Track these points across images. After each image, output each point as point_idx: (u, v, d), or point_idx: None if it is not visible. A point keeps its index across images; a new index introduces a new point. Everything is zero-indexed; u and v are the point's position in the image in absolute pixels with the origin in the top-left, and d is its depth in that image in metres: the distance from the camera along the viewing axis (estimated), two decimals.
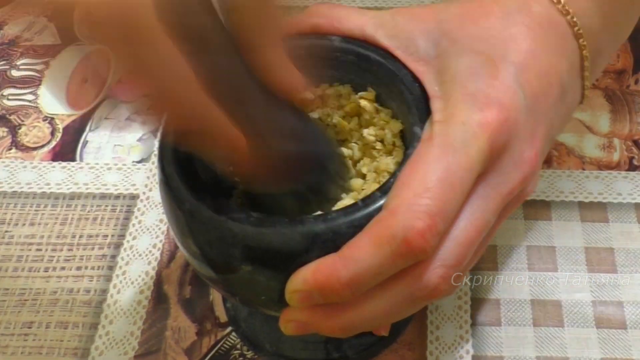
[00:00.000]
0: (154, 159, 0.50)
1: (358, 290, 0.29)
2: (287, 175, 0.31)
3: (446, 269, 0.30)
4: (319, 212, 0.31)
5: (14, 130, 0.53)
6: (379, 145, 0.36)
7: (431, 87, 0.33)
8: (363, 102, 0.36)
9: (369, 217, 0.29)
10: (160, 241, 0.45)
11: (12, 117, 0.54)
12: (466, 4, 0.35)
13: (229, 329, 0.41)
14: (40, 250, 0.45)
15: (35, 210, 0.48)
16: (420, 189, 0.29)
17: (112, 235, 0.46)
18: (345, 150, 0.36)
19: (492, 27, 0.34)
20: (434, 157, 0.30)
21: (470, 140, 0.30)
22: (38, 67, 0.57)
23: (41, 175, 0.49)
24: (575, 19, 0.34)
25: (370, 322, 0.31)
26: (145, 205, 0.47)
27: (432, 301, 0.31)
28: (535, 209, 0.45)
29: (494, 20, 0.34)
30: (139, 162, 0.50)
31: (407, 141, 0.33)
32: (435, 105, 0.32)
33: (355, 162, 0.36)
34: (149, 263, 0.44)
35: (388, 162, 0.34)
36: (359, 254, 0.29)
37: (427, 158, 0.30)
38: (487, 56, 0.32)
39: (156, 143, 0.51)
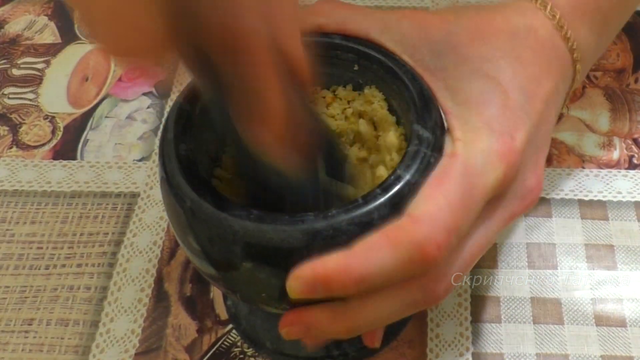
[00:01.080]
0: (155, 157, 0.50)
1: (364, 289, 0.30)
2: (310, 150, 0.32)
3: (451, 280, 0.32)
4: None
5: (14, 129, 0.53)
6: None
7: (445, 103, 0.34)
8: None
9: (369, 214, 0.29)
10: (161, 238, 0.45)
11: (12, 116, 0.54)
12: (475, 18, 0.35)
13: (230, 326, 0.41)
14: (41, 248, 0.45)
15: (36, 209, 0.48)
16: (444, 204, 0.30)
17: (113, 233, 0.46)
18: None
19: (501, 47, 0.34)
20: (457, 176, 0.31)
21: (489, 168, 0.31)
22: (39, 66, 0.57)
23: (42, 174, 0.50)
24: (575, 46, 0.36)
25: (373, 325, 0.32)
26: (145, 203, 0.47)
27: (432, 306, 0.33)
28: (536, 206, 0.45)
29: (503, 40, 0.35)
30: (140, 160, 0.50)
31: (408, 138, 0.33)
32: (453, 122, 0.33)
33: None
34: (150, 260, 0.44)
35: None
36: (374, 253, 0.29)
37: (451, 175, 0.31)
38: (497, 81, 0.33)
39: (157, 141, 0.51)
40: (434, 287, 0.31)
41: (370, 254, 0.29)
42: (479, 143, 0.32)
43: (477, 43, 0.34)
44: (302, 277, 0.29)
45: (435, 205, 0.30)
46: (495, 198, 0.32)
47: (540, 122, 0.34)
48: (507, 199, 0.33)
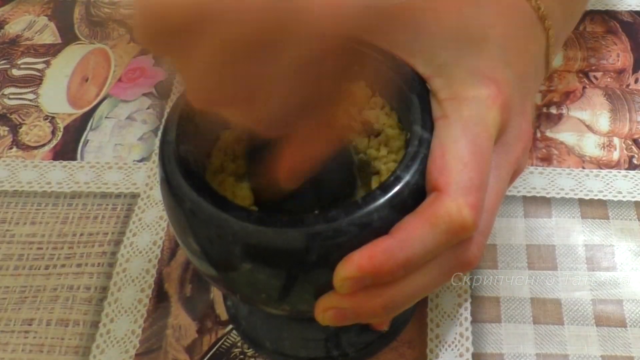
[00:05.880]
0: (155, 157, 0.50)
1: (411, 270, 0.30)
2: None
3: (482, 238, 0.31)
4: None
5: (14, 129, 0.53)
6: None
7: (424, 70, 0.33)
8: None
9: (369, 215, 0.29)
10: (161, 238, 0.45)
11: (12, 116, 0.54)
12: None
13: (230, 327, 0.41)
14: (41, 249, 0.45)
15: (36, 210, 0.48)
16: (460, 166, 0.30)
17: (112, 233, 0.46)
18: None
19: (468, 16, 0.35)
20: (458, 134, 0.30)
21: (485, 113, 0.31)
22: (39, 66, 0.57)
23: (42, 175, 0.50)
24: (538, 2, 0.36)
25: (410, 299, 0.32)
26: (145, 204, 0.47)
27: (468, 270, 0.33)
28: (536, 206, 0.45)
29: (467, 10, 0.35)
30: (140, 161, 0.50)
31: (407, 138, 0.33)
32: (436, 84, 0.33)
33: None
34: (150, 260, 0.44)
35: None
36: (415, 234, 0.29)
37: (451, 136, 0.31)
38: (470, 39, 0.33)
39: (157, 142, 0.51)
40: (467, 247, 0.31)
41: (410, 236, 0.29)
42: (467, 93, 0.32)
43: (444, 18, 0.34)
44: (351, 277, 0.29)
45: (452, 170, 0.30)
46: (497, 144, 0.32)
47: (519, 72, 0.34)
48: (507, 144, 0.33)
